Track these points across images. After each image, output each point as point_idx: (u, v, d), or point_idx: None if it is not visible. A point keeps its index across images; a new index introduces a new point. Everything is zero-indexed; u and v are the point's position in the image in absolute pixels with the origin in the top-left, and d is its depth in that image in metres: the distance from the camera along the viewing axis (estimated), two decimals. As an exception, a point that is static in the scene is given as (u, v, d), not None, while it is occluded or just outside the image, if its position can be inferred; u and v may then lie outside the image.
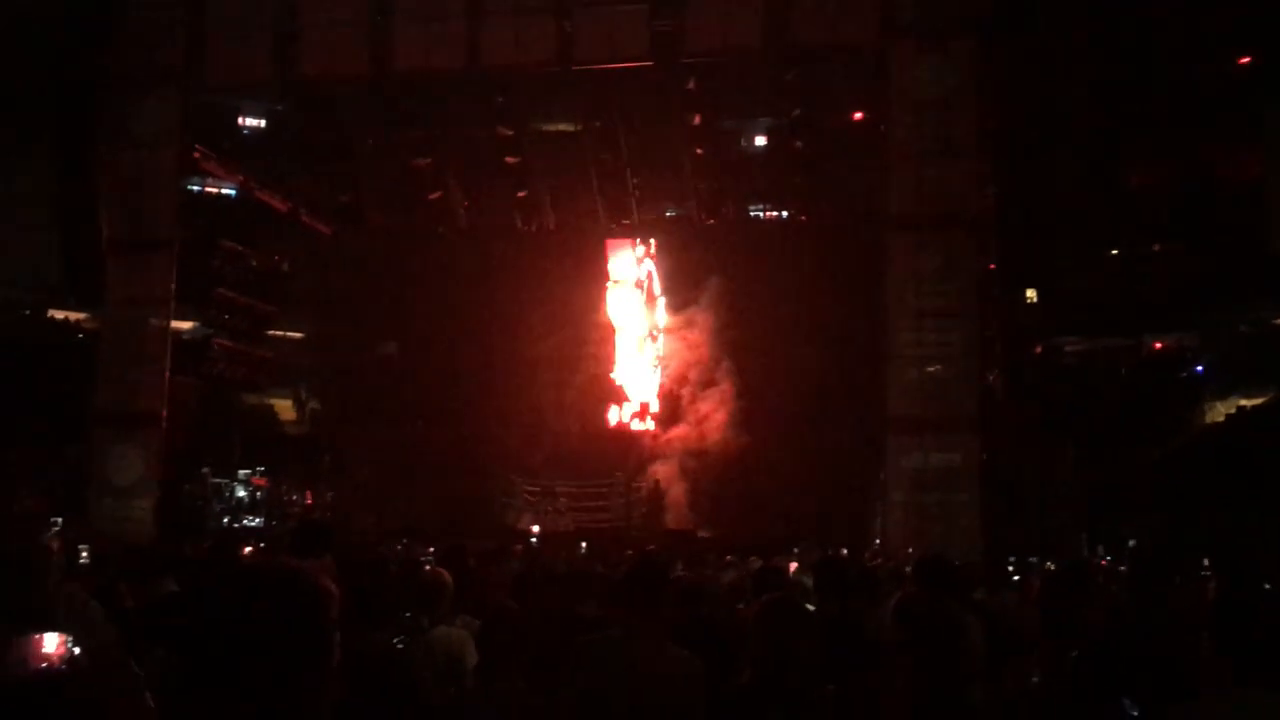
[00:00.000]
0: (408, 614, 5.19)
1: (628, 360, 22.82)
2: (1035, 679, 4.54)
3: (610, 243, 23.57)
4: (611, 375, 23.02)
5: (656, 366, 23.49)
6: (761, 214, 24.45)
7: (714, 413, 22.23)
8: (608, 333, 23.65)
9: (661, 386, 23.02)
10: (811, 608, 6.05)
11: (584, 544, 16.43)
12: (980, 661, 5.00)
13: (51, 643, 1.90)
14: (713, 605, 6.02)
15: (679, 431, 22.50)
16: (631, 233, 23.75)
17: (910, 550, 14.71)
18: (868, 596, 6.30)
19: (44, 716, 1.84)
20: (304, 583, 1.75)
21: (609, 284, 23.52)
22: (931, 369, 16.30)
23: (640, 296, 23.58)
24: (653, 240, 23.90)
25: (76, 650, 1.89)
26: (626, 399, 23.03)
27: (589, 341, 23.11)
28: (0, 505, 16.18)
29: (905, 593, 5.31)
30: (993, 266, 20.21)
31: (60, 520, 15.73)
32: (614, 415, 23.09)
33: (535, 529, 20.05)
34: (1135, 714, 3.93)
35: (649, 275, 23.74)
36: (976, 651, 4.92)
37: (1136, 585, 7.57)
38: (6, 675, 1.89)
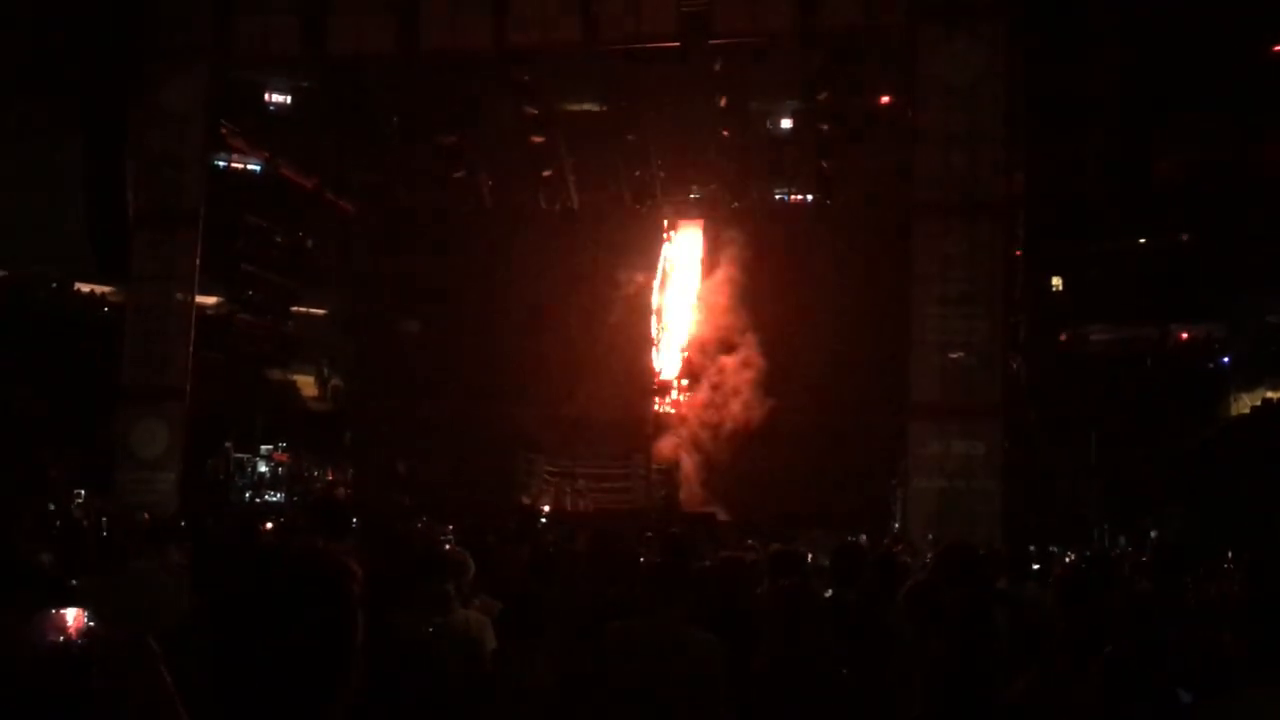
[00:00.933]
0: (435, 592, 5.16)
1: (656, 342, 22.81)
2: (1058, 670, 4.49)
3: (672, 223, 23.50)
4: (647, 356, 22.97)
5: (683, 350, 23.46)
6: (787, 197, 24.34)
7: (735, 397, 22.17)
8: (636, 313, 23.58)
9: (684, 367, 22.97)
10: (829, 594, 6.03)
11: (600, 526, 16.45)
12: (1004, 651, 4.96)
13: (70, 618, 1.88)
14: (740, 588, 6.00)
15: (699, 414, 22.46)
16: (678, 215, 23.79)
17: (930, 536, 14.68)
18: (887, 584, 6.25)
19: (61, 693, 1.83)
20: (326, 562, 1.73)
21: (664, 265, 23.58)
22: (955, 355, 16.21)
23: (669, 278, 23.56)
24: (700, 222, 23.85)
25: (94, 625, 1.87)
26: (657, 378, 23.00)
27: (612, 322, 23.04)
28: (25, 475, 16.30)
29: (918, 580, 5.27)
30: (1019, 253, 20.06)
31: (83, 492, 15.86)
32: (645, 394, 23.10)
33: (545, 508, 20.04)
34: (1188, 702, 3.88)
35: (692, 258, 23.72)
36: (1000, 641, 4.87)
37: (1159, 577, 7.51)
38: (24, 650, 1.88)
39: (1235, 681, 3.15)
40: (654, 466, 21.73)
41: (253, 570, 1.72)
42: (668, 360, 22.84)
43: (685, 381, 22.95)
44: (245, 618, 1.68)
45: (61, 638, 1.83)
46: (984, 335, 16.16)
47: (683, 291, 23.75)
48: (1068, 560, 11.95)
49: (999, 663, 4.50)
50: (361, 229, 24.94)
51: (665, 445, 22.12)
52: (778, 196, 24.35)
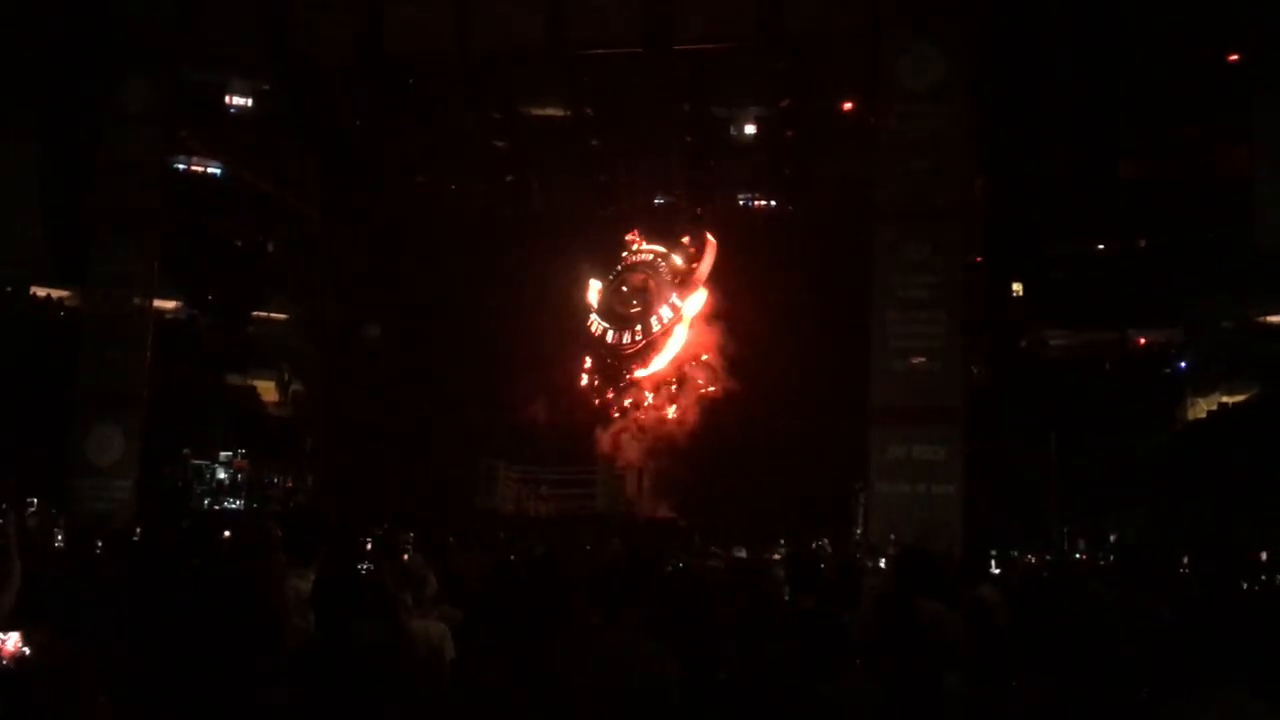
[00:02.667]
0: (394, 602, 5.13)
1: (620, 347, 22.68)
2: (1014, 676, 4.52)
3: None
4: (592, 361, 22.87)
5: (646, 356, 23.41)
6: (751, 203, 24.40)
7: (699, 402, 22.20)
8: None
9: (647, 373, 22.92)
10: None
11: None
12: (958, 658, 4.97)
13: (8, 642, 1.85)
14: (703, 596, 5.99)
15: (662, 420, 22.46)
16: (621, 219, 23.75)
17: (892, 536, 14.75)
18: (847, 590, 6.27)
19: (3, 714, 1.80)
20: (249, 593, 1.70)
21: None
22: (916, 360, 16.26)
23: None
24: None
25: (27, 650, 1.84)
26: (620, 384, 22.94)
27: (574, 328, 22.97)
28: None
29: (882, 590, 5.28)
30: (979, 259, 20.21)
31: (35, 500, 15.63)
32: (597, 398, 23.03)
33: (509, 512, 19.95)
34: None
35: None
36: (955, 648, 4.88)
37: (1117, 582, 7.57)
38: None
39: (1189, 686, 3.18)
40: (616, 472, 21.68)
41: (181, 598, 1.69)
42: (628, 366, 22.74)
43: (648, 390, 22.91)
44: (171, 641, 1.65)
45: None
46: (944, 340, 16.22)
47: (647, 297, 23.69)
48: (1028, 564, 12.06)
49: (949, 672, 4.51)
50: (323, 233, 24.73)
51: (628, 451, 22.09)
52: (741, 202, 24.41)
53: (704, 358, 22.61)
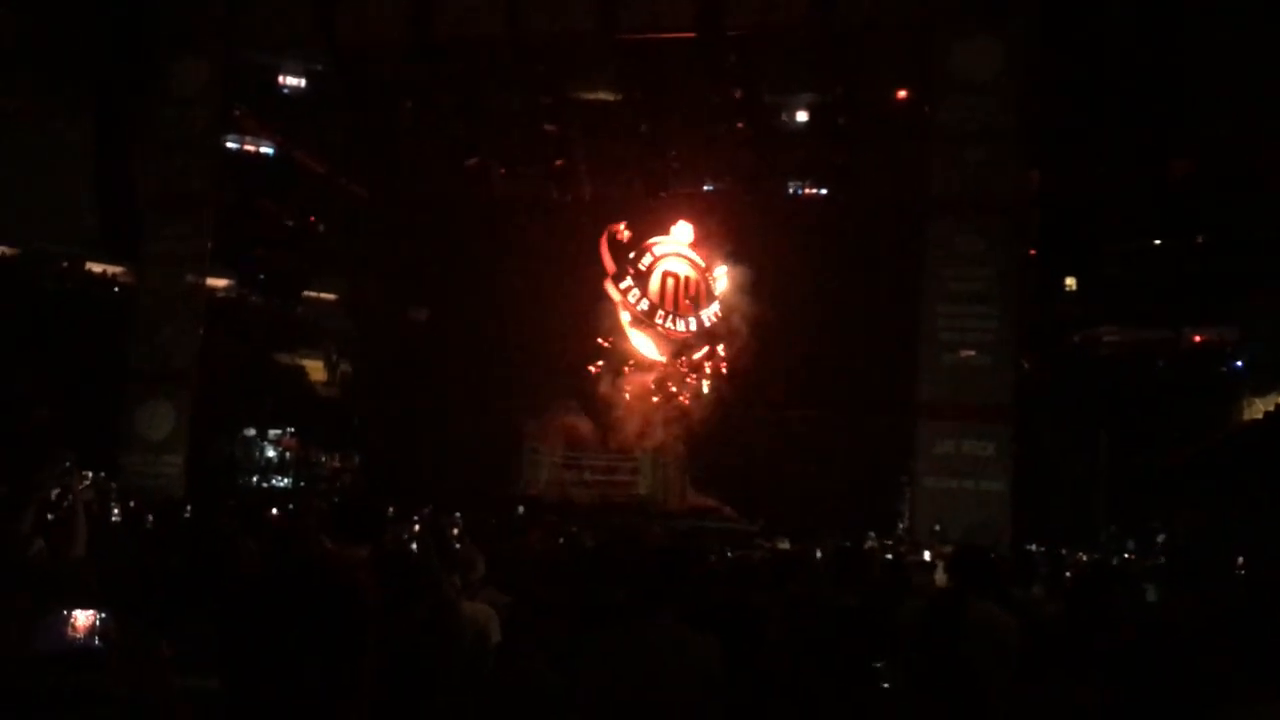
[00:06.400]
0: (444, 585, 5.19)
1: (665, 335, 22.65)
2: (1066, 680, 4.49)
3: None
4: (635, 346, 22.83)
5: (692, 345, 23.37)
6: (801, 191, 24.27)
7: (747, 392, 22.13)
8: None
9: (687, 360, 22.89)
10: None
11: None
12: (1009, 658, 4.96)
13: (84, 618, 1.90)
14: (747, 588, 6.01)
15: (708, 409, 22.41)
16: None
17: (936, 528, 14.70)
18: (894, 588, 6.26)
19: (76, 692, 1.86)
20: (338, 588, 1.74)
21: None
22: (966, 355, 16.19)
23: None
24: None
25: (107, 626, 1.89)
26: (664, 370, 22.92)
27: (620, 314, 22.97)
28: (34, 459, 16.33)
29: (938, 591, 5.26)
30: (1033, 252, 19.99)
31: (90, 474, 15.90)
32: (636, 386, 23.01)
33: (551, 498, 20.02)
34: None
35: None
36: (1007, 648, 4.87)
37: (1169, 584, 7.51)
38: (38, 650, 1.90)
39: (1240, 690, 3.16)
40: (660, 460, 21.70)
41: (263, 597, 1.74)
42: (656, 350, 22.71)
43: (694, 375, 22.86)
44: (257, 642, 1.70)
45: (74, 638, 1.84)
46: (996, 334, 16.11)
47: (694, 284, 23.66)
48: (1077, 562, 11.95)
49: (1007, 669, 4.50)
50: (372, 215, 24.91)
51: (673, 439, 22.08)
52: (792, 190, 24.28)
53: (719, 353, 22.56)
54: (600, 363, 21.98)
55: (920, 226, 16.91)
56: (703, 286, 22.33)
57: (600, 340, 21.98)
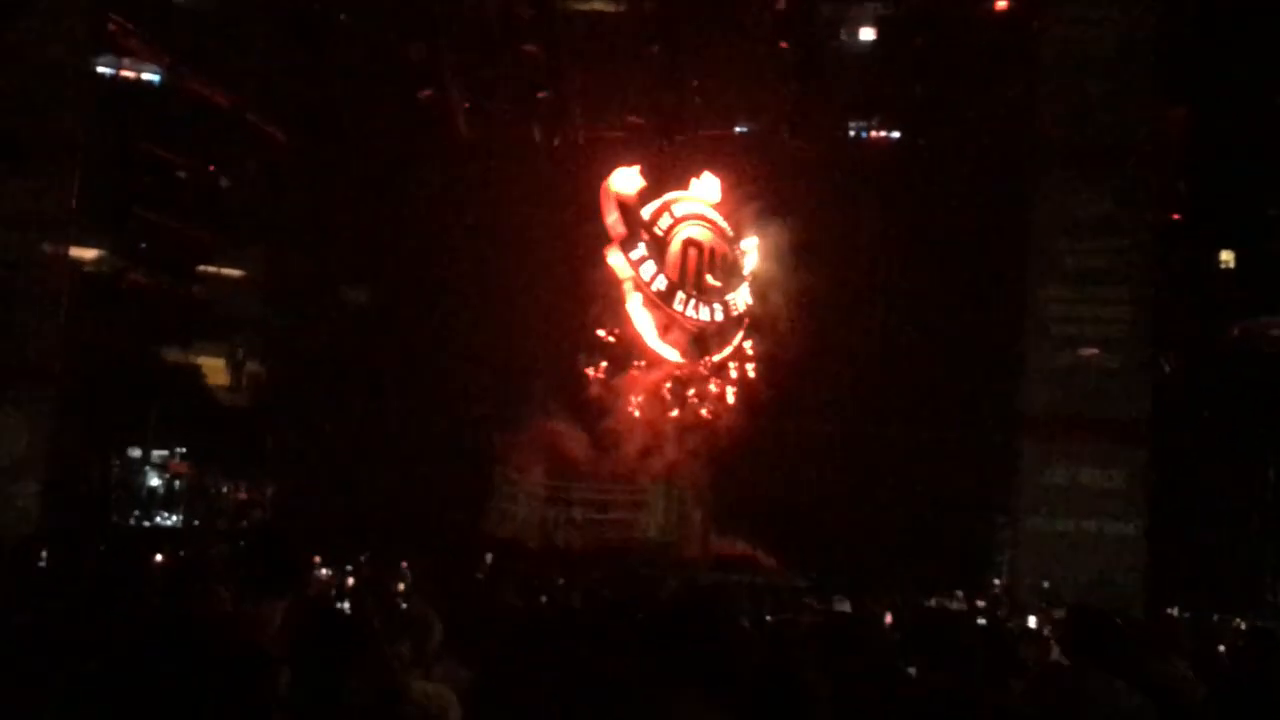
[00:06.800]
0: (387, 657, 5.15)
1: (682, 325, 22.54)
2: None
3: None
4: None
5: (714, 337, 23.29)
6: (865, 134, 24.21)
7: (784, 398, 22.07)
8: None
9: (705, 354, 22.82)
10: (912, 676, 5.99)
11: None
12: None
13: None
14: (793, 664, 5.95)
15: (734, 420, 22.36)
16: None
17: (1046, 584, 14.61)
18: (994, 665, 6.20)
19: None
20: (241, 662, 1.70)
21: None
22: (1086, 353, 16.15)
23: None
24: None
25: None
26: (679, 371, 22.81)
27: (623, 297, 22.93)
28: None
29: (1048, 666, 5.21)
30: (1176, 217, 19.91)
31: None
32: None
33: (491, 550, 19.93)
34: None
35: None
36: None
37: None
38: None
39: None
40: (675, 491, 21.66)
41: (142, 660, 1.69)
42: (674, 346, 22.61)
43: (718, 379, 22.79)
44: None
45: None
46: (1126, 326, 16.07)
47: (719, 257, 23.63)
48: (1234, 631, 11.87)
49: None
50: (295, 165, 24.87)
51: (690, 462, 22.02)
52: (852, 133, 24.22)
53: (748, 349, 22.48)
54: (603, 363, 21.92)
55: (1025, 182, 16.82)
56: (730, 262, 22.29)
57: (601, 333, 21.91)
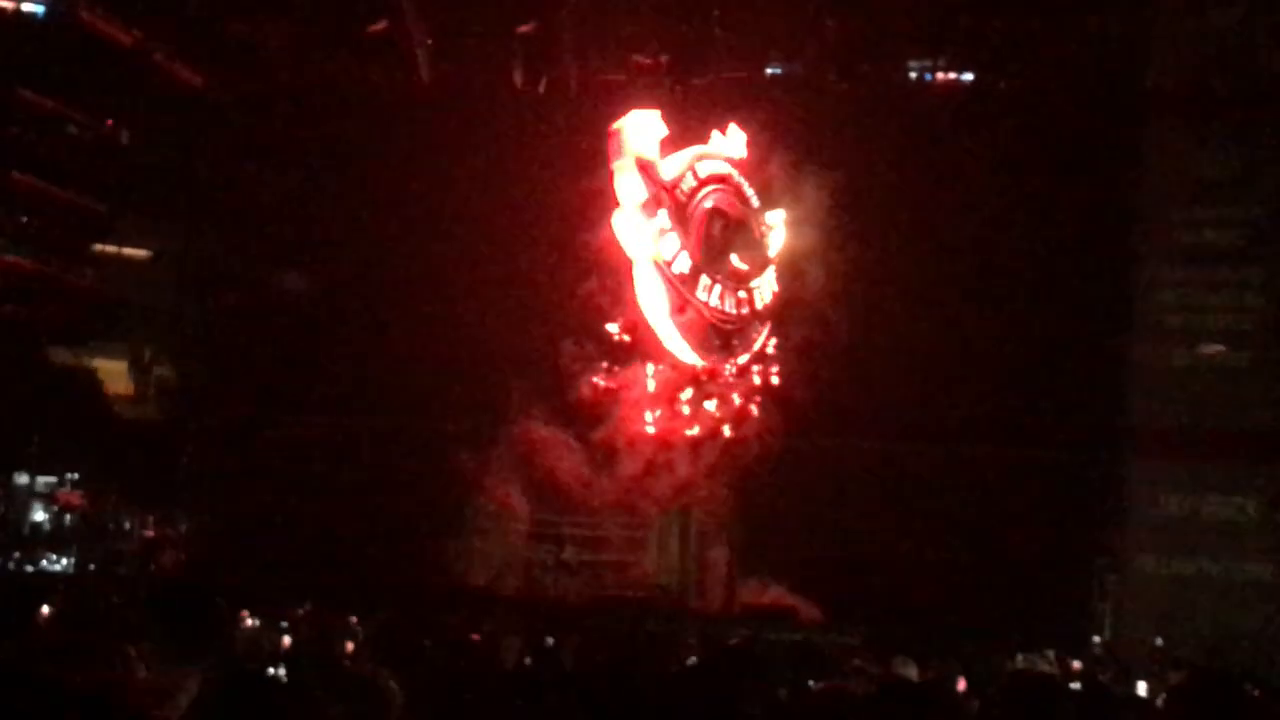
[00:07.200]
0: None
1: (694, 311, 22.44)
2: None
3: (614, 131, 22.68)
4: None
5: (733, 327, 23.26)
6: (929, 75, 24.22)
7: (821, 404, 22.03)
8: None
9: (728, 355, 22.75)
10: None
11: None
12: None
13: None
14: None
15: (761, 433, 22.33)
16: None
17: (1159, 641, 14.58)
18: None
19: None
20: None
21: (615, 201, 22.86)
22: (1210, 350, 16.13)
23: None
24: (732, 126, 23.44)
25: None
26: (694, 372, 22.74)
27: (616, 285, 22.87)
28: None
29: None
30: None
31: None
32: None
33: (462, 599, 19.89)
34: None
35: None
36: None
37: None
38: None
39: None
40: (690, 524, 21.69)
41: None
42: (695, 344, 22.52)
43: (741, 387, 22.75)
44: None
45: None
46: (1257, 316, 16.06)
47: (739, 226, 23.61)
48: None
49: None
50: (210, 118, 24.88)
51: (709, 488, 22.03)
52: (914, 75, 24.23)
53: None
54: (602, 365, 21.79)
55: (1132, 138, 16.80)
56: (755, 240, 22.22)
57: (613, 329, 21.74)
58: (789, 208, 22.01)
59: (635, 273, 21.33)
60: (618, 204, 21.05)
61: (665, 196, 21.02)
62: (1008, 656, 14.78)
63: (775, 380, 22.00)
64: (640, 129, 21.02)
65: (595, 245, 21.40)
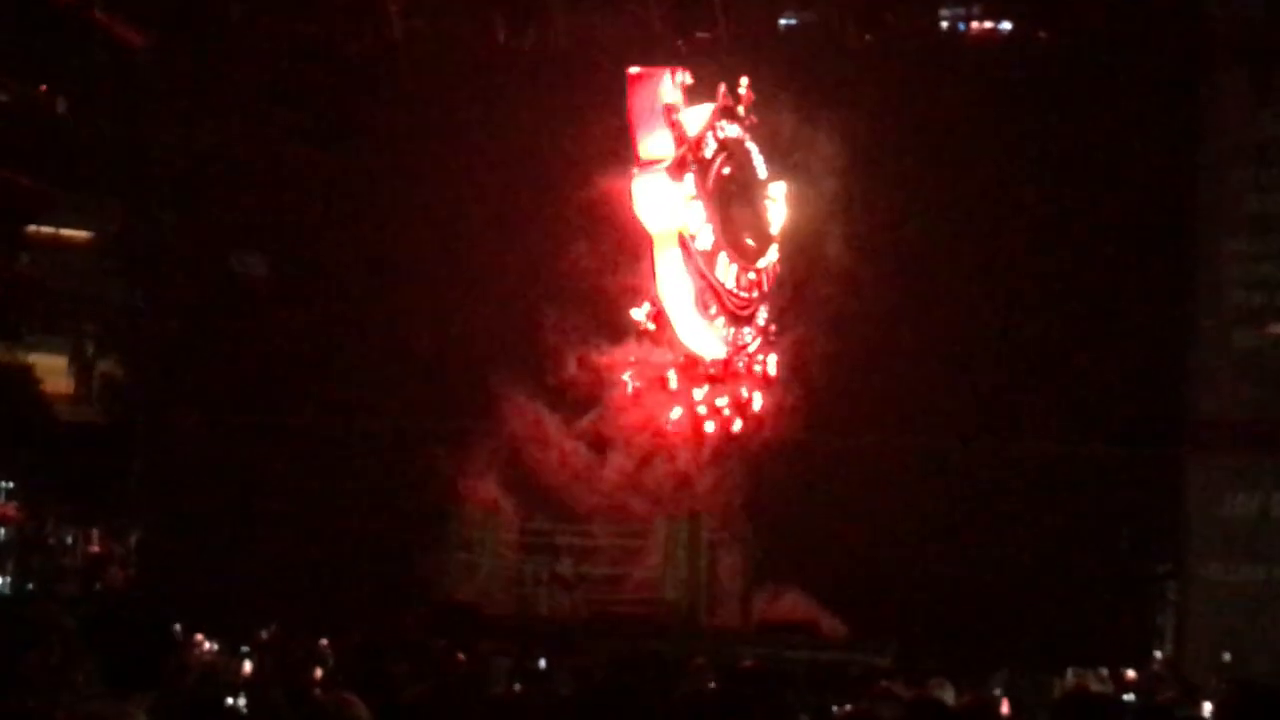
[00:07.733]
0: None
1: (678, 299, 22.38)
2: None
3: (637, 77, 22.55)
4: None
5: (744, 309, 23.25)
6: (963, 25, 24.20)
7: (844, 396, 22.04)
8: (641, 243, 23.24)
9: (739, 344, 22.75)
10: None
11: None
12: None
13: None
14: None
15: (779, 428, 22.34)
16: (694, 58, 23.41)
17: (1227, 657, 14.57)
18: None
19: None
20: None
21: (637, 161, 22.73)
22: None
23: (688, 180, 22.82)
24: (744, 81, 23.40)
25: None
26: (689, 371, 22.74)
27: (615, 259, 22.85)
28: None
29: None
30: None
31: None
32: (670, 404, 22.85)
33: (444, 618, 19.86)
34: None
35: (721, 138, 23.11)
36: None
37: None
38: None
39: None
40: (700, 531, 21.69)
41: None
42: (716, 332, 22.52)
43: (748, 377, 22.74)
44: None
45: None
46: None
47: (748, 198, 23.60)
48: None
49: None
50: (163, 80, 24.86)
51: (718, 491, 22.05)
52: (945, 24, 24.21)
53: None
54: (635, 361, 21.76)
55: (1192, 94, 16.77)
56: (760, 213, 22.21)
57: (639, 315, 21.70)
58: (801, 176, 21.95)
59: (655, 251, 21.24)
60: (631, 166, 20.95)
61: (690, 158, 20.90)
62: (1057, 675, 14.78)
63: (786, 370, 21.98)
64: (667, 80, 20.90)
65: (598, 217, 21.37)
